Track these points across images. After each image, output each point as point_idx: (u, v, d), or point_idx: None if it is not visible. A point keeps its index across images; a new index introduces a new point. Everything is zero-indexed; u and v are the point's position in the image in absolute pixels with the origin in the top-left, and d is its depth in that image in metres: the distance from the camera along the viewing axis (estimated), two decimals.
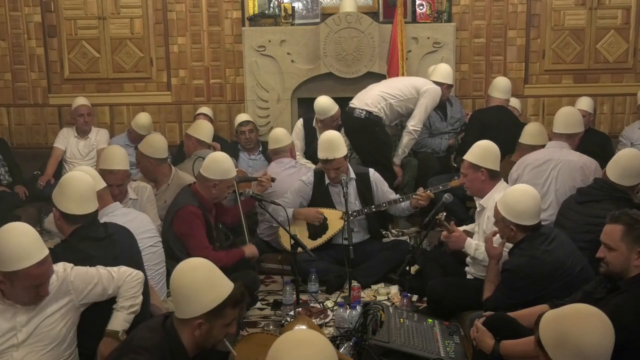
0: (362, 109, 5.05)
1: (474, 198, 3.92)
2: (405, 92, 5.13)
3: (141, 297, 2.80)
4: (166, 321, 2.34)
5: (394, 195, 4.59)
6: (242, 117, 5.88)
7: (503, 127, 5.06)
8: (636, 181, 3.60)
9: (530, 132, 4.73)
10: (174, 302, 2.34)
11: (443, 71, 5.41)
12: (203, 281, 2.28)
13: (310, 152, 5.49)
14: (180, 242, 3.93)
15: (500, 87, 5.46)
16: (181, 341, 2.27)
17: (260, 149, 5.83)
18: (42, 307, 2.56)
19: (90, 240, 2.92)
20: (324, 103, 5.44)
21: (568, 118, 4.34)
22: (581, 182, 4.04)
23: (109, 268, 2.77)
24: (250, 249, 4.17)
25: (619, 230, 2.59)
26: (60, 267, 2.65)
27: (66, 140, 5.93)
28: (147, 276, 3.14)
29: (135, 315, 2.76)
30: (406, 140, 5.19)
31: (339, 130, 5.21)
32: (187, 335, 2.29)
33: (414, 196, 4.41)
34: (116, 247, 2.99)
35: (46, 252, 2.50)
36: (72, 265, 2.69)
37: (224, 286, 2.30)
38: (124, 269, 2.81)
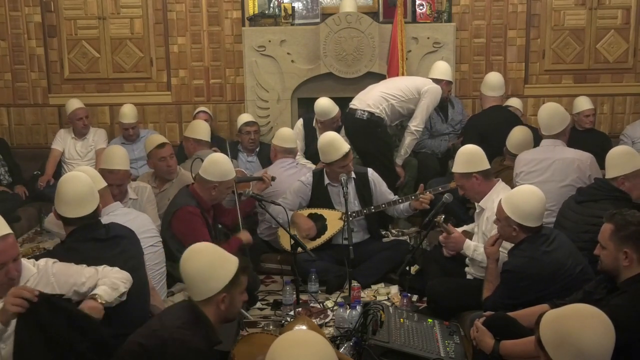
0: (364, 110, 5.03)
1: None
2: (406, 93, 5.12)
3: (124, 286, 2.76)
4: (188, 305, 2.50)
5: (392, 196, 4.57)
6: (245, 117, 5.84)
7: (502, 128, 5.03)
8: (619, 171, 3.58)
9: (516, 142, 4.66)
10: (190, 287, 2.49)
11: (441, 68, 5.41)
12: (214, 259, 2.49)
13: (310, 152, 5.48)
14: (179, 243, 3.92)
15: (492, 84, 5.45)
16: (210, 319, 2.45)
17: (257, 149, 5.81)
18: None
19: (91, 242, 2.90)
20: (325, 105, 5.44)
21: (550, 120, 4.29)
22: (577, 179, 4.05)
23: (97, 267, 2.76)
24: (245, 235, 4.13)
25: (609, 229, 2.64)
26: (42, 262, 2.67)
27: (63, 141, 5.93)
28: (147, 276, 3.15)
29: (122, 299, 2.74)
30: (408, 140, 5.18)
31: (338, 131, 5.21)
32: (212, 313, 2.46)
33: (416, 198, 4.34)
34: (118, 248, 2.97)
35: (8, 231, 2.50)
36: (54, 260, 2.69)
37: (231, 258, 2.53)
38: (115, 269, 2.79)
